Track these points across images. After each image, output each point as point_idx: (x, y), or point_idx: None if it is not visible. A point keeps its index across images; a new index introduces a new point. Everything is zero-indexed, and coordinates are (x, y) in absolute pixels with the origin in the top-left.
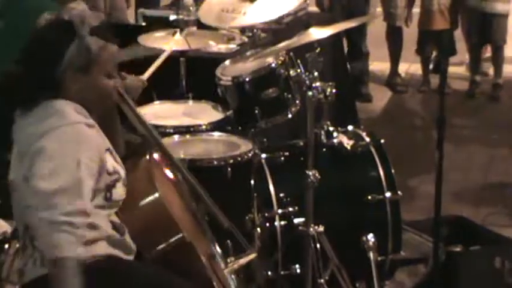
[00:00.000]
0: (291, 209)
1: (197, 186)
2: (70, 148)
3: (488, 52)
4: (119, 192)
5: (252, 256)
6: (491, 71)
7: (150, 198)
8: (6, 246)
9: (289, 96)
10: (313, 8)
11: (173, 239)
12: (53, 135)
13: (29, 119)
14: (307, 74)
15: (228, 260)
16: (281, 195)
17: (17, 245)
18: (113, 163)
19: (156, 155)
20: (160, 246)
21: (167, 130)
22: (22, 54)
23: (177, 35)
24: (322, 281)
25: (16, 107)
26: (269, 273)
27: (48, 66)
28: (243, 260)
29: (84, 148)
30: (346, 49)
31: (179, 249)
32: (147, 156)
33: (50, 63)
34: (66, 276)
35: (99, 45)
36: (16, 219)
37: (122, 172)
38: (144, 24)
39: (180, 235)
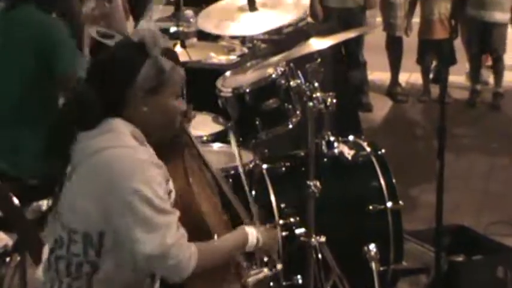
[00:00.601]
0: (292, 219)
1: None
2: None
3: (488, 61)
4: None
5: (265, 274)
6: (491, 79)
7: (187, 200)
8: (8, 259)
9: (290, 106)
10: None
11: None
12: (106, 156)
13: (88, 135)
14: (307, 84)
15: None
16: (282, 205)
17: (18, 258)
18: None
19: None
20: None
21: None
22: (91, 74)
23: (178, 47)
24: None
25: (80, 127)
26: (271, 283)
27: (120, 87)
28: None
29: (146, 174)
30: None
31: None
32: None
33: (122, 84)
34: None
35: (170, 66)
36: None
37: (173, 193)
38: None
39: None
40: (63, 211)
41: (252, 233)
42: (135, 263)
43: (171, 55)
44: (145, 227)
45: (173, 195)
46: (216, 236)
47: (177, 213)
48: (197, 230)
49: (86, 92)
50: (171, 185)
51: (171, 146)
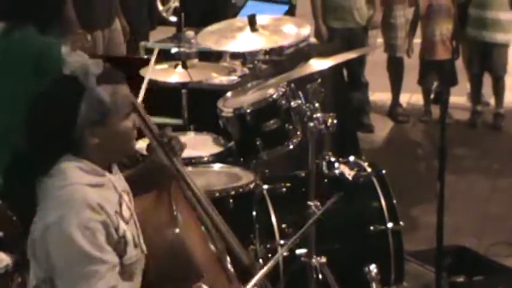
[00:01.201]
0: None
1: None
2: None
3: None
4: (130, 256)
5: None
6: (492, 100)
7: (170, 235)
8: (8, 279)
9: (291, 127)
10: (312, 39)
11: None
12: (55, 197)
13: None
14: (308, 105)
15: None
16: (283, 226)
17: (19, 279)
18: (122, 225)
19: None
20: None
21: None
22: (31, 123)
23: (179, 68)
24: None
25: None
26: None
27: (63, 128)
28: None
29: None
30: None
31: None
32: (172, 186)
33: (64, 126)
34: None
35: (110, 92)
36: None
37: (129, 234)
38: (145, 57)
39: (198, 278)
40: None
41: None
42: None
43: (110, 78)
44: (72, 276)
45: (125, 231)
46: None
47: (110, 259)
48: (183, 268)
49: (33, 139)
50: (122, 224)
51: (157, 176)
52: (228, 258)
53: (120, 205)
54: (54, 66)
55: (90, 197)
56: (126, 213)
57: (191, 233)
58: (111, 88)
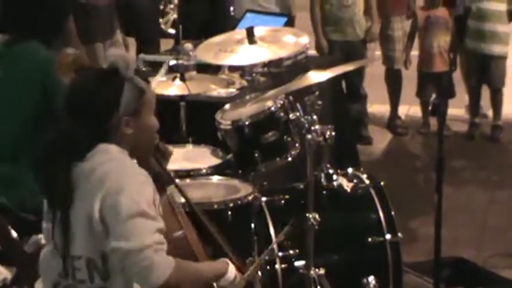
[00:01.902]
0: (291, 251)
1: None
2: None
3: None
4: None
5: None
6: (490, 112)
7: (176, 235)
8: None
9: (289, 139)
10: (312, 52)
11: None
12: (111, 174)
13: (92, 167)
14: (306, 117)
15: None
16: None
17: None
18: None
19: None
20: None
21: None
22: (72, 108)
23: (177, 80)
24: None
25: (71, 160)
26: None
27: (104, 117)
28: None
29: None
30: (344, 92)
31: None
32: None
33: (106, 114)
34: (187, 275)
35: (143, 85)
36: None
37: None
38: (144, 69)
39: None
40: (62, 241)
41: (232, 269)
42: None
43: (141, 75)
44: (128, 226)
45: (160, 207)
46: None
47: (162, 222)
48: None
49: (70, 128)
50: (157, 197)
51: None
52: None
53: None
54: (55, 81)
55: (137, 167)
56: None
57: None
58: (142, 83)
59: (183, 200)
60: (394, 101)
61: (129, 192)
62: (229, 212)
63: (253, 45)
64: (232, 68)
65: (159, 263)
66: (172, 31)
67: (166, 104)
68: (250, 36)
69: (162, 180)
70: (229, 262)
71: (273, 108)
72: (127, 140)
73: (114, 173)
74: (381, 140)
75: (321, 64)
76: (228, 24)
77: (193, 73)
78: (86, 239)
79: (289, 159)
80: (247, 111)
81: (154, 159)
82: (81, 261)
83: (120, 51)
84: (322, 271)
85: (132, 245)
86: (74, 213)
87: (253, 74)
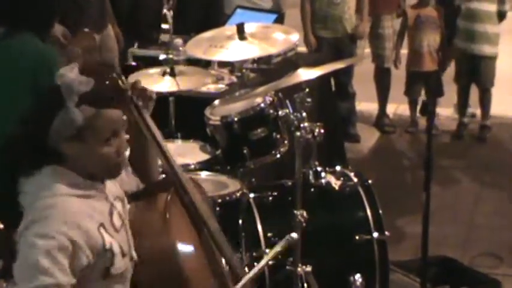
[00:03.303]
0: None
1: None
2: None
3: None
4: (119, 266)
5: None
6: (478, 111)
7: (162, 246)
8: None
9: (278, 136)
10: (302, 49)
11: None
12: (36, 205)
13: (28, 186)
14: (295, 114)
15: None
16: (269, 234)
17: (4, 285)
18: (108, 238)
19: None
20: None
21: None
22: (24, 115)
23: (167, 75)
24: None
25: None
26: None
27: (39, 133)
28: None
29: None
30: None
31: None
32: (169, 196)
33: (40, 131)
34: None
35: (89, 114)
36: None
37: (117, 246)
38: (134, 63)
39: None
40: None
41: None
42: None
43: (95, 100)
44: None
45: (112, 243)
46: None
47: (73, 280)
48: (171, 277)
49: (17, 135)
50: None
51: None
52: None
53: (111, 215)
54: (51, 73)
55: (70, 211)
56: (117, 222)
57: (185, 235)
58: (91, 111)
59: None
60: (383, 100)
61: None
62: (217, 208)
63: (243, 42)
64: (222, 64)
65: None
66: (165, 26)
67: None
68: (241, 33)
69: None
70: None
71: (262, 105)
72: (75, 162)
73: (37, 214)
74: (368, 138)
75: (310, 61)
76: (221, 21)
77: (183, 67)
78: None
79: (278, 156)
80: (236, 107)
81: (134, 106)
82: None
83: (72, 74)
84: (309, 268)
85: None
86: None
87: (243, 70)
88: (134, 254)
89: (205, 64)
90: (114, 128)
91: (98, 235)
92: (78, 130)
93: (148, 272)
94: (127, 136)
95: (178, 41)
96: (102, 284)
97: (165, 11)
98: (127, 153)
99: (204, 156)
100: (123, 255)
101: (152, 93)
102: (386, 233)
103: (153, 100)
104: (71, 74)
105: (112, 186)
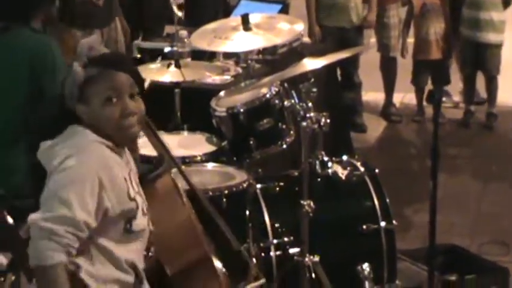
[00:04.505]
0: (286, 239)
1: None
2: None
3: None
4: (140, 222)
5: (261, 282)
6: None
7: (179, 216)
8: (2, 279)
9: (284, 126)
10: (307, 39)
11: (196, 256)
12: (69, 144)
13: (53, 143)
14: (301, 104)
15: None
16: (276, 225)
17: (13, 278)
18: (132, 190)
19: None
20: (184, 263)
21: None
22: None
23: (172, 67)
24: None
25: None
26: None
27: (59, 98)
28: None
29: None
30: (339, 79)
31: (200, 265)
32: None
33: (60, 96)
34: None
35: (91, 73)
36: None
37: (140, 201)
38: (139, 56)
39: (203, 252)
40: None
41: None
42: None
43: (101, 61)
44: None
45: (139, 200)
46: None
47: (92, 223)
48: (190, 242)
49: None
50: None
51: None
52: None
53: (131, 179)
54: (47, 65)
55: (102, 154)
56: (136, 186)
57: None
58: (94, 71)
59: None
60: (389, 89)
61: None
62: (224, 199)
63: (248, 32)
64: (227, 55)
65: (41, 248)
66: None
67: (161, 91)
68: (245, 23)
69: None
70: None
71: (268, 96)
72: (87, 122)
73: (71, 148)
74: (375, 127)
75: (316, 51)
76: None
77: (188, 60)
78: None
79: (284, 146)
80: (242, 98)
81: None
82: None
83: (91, 38)
84: (316, 258)
85: (34, 216)
86: None
87: (248, 61)
88: (150, 223)
89: (211, 56)
90: (116, 88)
91: (124, 184)
92: (81, 90)
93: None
94: (140, 104)
95: (183, 33)
96: (123, 239)
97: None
98: (135, 121)
99: (211, 148)
100: (144, 213)
101: None
102: (394, 222)
103: None
104: (87, 40)
105: (131, 159)
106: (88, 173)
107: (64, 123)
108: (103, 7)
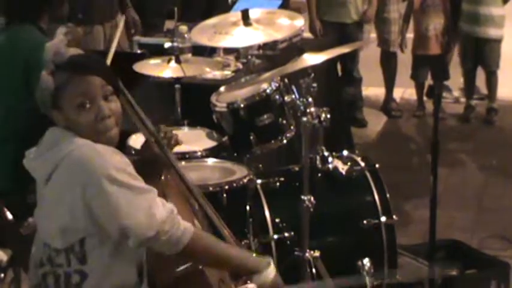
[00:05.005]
0: (286, 234)
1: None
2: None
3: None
4: None
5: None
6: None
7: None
8: (2, 275)
9: (284, 122)
10: (307, 34)
11: (186, 267)
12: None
13: (39, 150)
14: (301, 99)
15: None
16: (277, 220)
17: (12, 274)
18: None
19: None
20: (175, 272)
21: None
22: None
23: (172, 62)
24: None
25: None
26: None
27: (35, 104)
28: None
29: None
30: (339, 74)
31: (191, 277)
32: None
33: (45, 104)
34: (203, 246)
35: (61, 80)
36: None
37: None
38: (139, 51)
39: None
40: (41, 228)
41: (272, 271)
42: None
43: (69, 66)
44: (129, 211)
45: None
46: None
47: (155, 190)
48: None
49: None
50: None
51: (149, 167)
52: None
53: None
54: (42, 67)
55: (106, 147)
56: None
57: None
58: (63, 77)
59: None
60: (389, 84)
61: (115, 176)
62: (225, 195)
63: (248, 28)
64: (228, 51)
65: (175, 233)
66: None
67: (161, 87)
68: (245, 19)
69: (160, 164)
70: (272, 263)
71: (268, 91)
72: (67, 125)
73: (86, 161)
74: (375, 122)
75: (316, 46)
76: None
77: (189, 55)
78: (64, 226)
79: (284, 141)
80: (242, 93)
81: (154, 141)
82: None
83: (55, 44)
84: (317, 253)
85: (145, 232)
86: (45, 201)
87: (249, 57)
88: None
89: (211, 51)
90: (87, 93)
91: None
92: (53, 98)
93: None
94: (115, 104)
95: (184, 28)
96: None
97: None
98: (113, 123)
99: (211, 143)
100: None
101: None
102: (394, 217)
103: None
104: (52, 43)
105: None
106: (124, 166)
107: (44, 128)
108: (104, 1)
